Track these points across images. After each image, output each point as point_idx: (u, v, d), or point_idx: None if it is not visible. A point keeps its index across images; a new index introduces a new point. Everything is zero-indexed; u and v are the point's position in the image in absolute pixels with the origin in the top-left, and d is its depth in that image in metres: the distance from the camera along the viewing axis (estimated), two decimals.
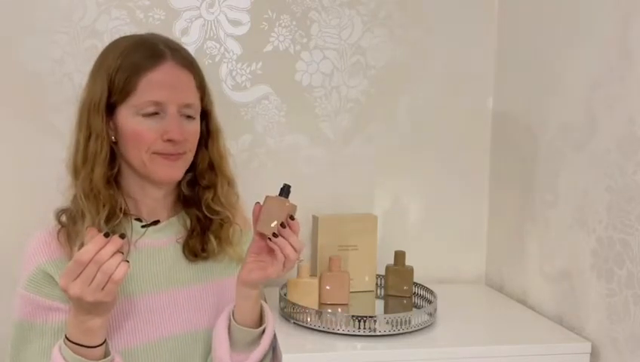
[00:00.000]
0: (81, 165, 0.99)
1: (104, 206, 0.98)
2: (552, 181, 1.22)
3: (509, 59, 1.42)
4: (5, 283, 1.27)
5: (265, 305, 1.07)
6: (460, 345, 1.06)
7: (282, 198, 0.98)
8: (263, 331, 1.04)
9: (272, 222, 0.96)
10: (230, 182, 1.11)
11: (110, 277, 0.85)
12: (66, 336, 0.91)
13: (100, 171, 0.98)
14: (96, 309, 0.88)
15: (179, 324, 1.04)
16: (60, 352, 0.90)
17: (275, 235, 0.96)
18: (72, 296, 0.86)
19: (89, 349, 0.90)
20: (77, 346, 0.90)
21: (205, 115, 1.09)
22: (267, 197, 0.98)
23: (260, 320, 1.05)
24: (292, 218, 0.97)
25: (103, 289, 0.85)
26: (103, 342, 0.92)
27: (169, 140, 0.99)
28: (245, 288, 1.01)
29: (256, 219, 0.98)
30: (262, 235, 0.98)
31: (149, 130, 0.99)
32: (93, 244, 0.85)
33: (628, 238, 0.99)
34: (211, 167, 1.09)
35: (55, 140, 1.28)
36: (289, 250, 0.96)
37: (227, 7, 1.37)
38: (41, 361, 0.95)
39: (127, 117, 0.99)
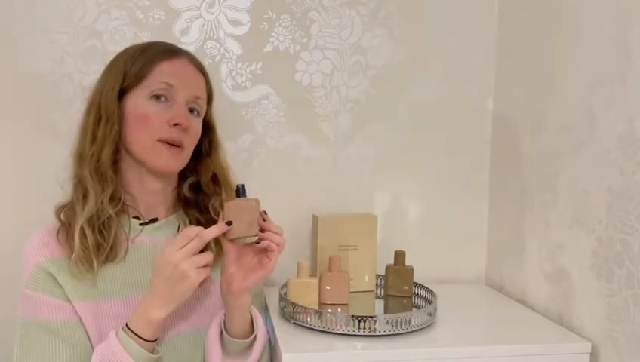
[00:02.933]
0: (89, 147, 1.00)
1: (110, 185, 0.99)
2: (552, 181, 1.22)
3: (509, 60, 1.42)
4: (5, 283, 1.28)
5: (254, 310, 1.06)
6: (460, 345, 1.06)
7: (245, 199, 0.97)
8: (255, 338, 1.04)
9: (250, 224, 0.96)
10: (233, 190, 1.13)
11: (207, 260, 0.93)
12: (126, 324, 0.94)
13: (108, 151, 1.00)
14: (175, 290, 0.92)
15: (180, 323, 1.05)
16: (117, 337, 0.93)
17: (261, 231, 0.96)
18: (171, 261, 0.91)
19: (143, 341, 0.93)
20: (134, 335, 0.93)
21: (209, 128, 1.12)
22: (228, 203, 0.97)
23: (252, 326, 1.05)
24: (265, 212, 0.98)
25: (197, 268, 0.92)
26: (155, 340, 0.95)
27: (175, 125, 1.01)
28: (241, 297, 1.00)
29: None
30: (233, 241, 0.98)
31: (157, 113, 1.01)
32: (198, 227, 0.94)
33: (628, 238, 0.99)
34: (214, 177, 1.12)
35: (55, 140, 1.29)
36: (277, 237, 0.97)
37: (227, 7, 1.37)
38: (49, 359, 0.95)
39: (137, 99, 1.01)
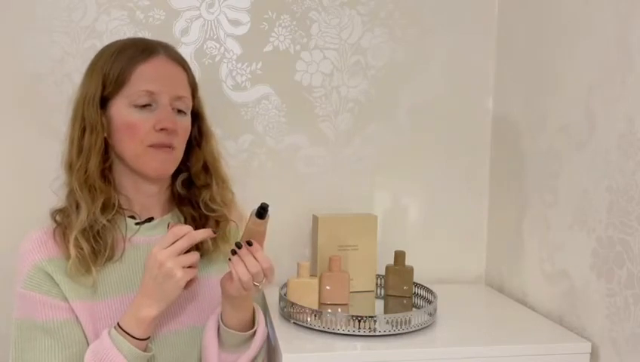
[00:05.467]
0: (76, 158, 1.00)
1: (100, 195, 0.99)
2: (552, 181, 1.22)
3: (509, 59, 1.42)
4: (5, 283, 1.28)
5: (257, 307, 1.07)
6: (460, 345, 1.06)
7: (252, 219, 0.96)
8: (254, 334, 1.04)
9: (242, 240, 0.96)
10: (225, 181, 1.12)
11: (193, 260, 0.94)
12: (118, 324, 0.94)
13: (95, 162, 0.99)
14: (162, 289, 0.92)
15: (177, 320, 1.05)
16: (110, 336, 0.93)
17: (234, 252, 0.95)
18: (157, 259, 0.91)
19: (135, 339, 0.93)
20: (126, 334, 0.93)
21: (197, 117, 1.11)
22: (252, 221, 0.97)
23: (252, 322, 1.05)
24: (250, 243, 0.95)
25: (183, 267, 0.92)
26: (147, 338, 0.96)
27: (162, 129, 1.00)
28: (223, 293, 1.01)
29: None
30: None
31: (142, 120, 0.99)
32: (187, 226, 0.94)
33: (628, 238, 0.99)
34: (206, 167, 1.11)
35: (55, 140, 1.28)
36: (241, 271, 0.94)
37: (227, 7, 1.37)
38: (45, 359, 0.95)
39: (120, 108, 1.00)
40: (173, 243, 0.93)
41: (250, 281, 0.94)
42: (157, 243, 0.94)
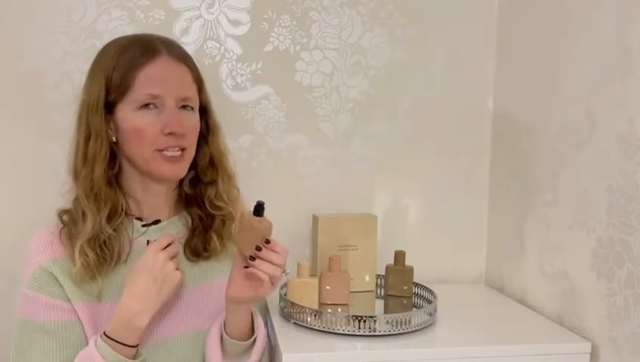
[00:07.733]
0: (81, 166, 0.99)
1: (105, 204, 0.98)
2: (552, 181, 1.22)
3: (509, 59, 1.42)
4: (5, 283, 1.28)
5: (256, 313, 1.06)
6: (460, 345, 1.06)
7: (255, 219, 0.94)
8: (254, 341, 1.04)
9: (249, 244, 0.94)
10: (230, 177, 1.12)
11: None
12: (104, 333, 0.94)
13: (100, 170, 0.98)
14: (161, 290, 0.95)
15: (181, 324, 1.05)
16: (96, 346, 0.92)
17: (252, 258, 0.94)
18: (159, 258, 0.95)
19: (126, 347, 0.93)
20: (114, 342, 0.92)
21: (204, 111, 1.10)
22: (242, 215, 0.96)
23: (252, 329, 1.05)
24: (267, 241, 0.94)
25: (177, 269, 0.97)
26: (137, 345, 0.95)
27: (170, 133, 0.99)
28: (235, 305, 1.00)
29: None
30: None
31: (150, 124, 0.99)
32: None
33: (628, 238, 0.99)
34: (212, 163, 1.10)
35: (55, 140, 1.28)
36: (270, 269, 0.94)
37: (227, 7, 1.37)
38: (44, 360, 0.95)
39: (127, 113, 0.99)
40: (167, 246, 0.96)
41: (280, 275, 0.95)
42: (149, 248, 0.97)
